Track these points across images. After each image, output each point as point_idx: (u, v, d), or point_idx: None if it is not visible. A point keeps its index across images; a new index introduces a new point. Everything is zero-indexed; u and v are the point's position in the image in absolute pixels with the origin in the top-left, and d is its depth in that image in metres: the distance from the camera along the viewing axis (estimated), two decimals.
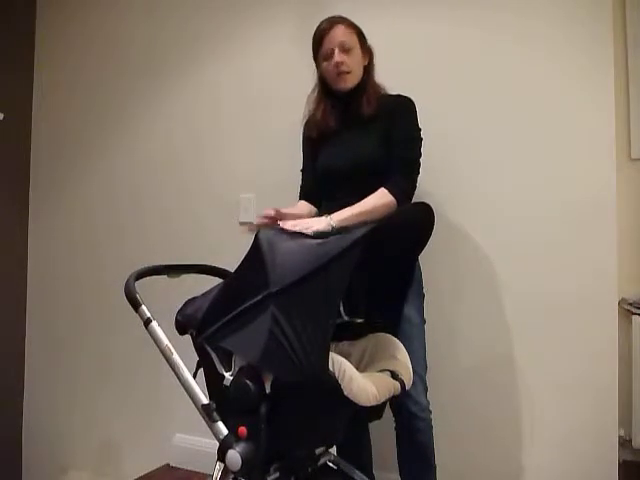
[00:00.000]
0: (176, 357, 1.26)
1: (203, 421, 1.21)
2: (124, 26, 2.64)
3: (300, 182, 1.84)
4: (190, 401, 1.23)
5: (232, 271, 1.30)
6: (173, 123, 2.49)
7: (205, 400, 1.21)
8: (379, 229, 1.15)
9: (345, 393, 1.13)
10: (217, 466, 1.21)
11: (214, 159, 2.37)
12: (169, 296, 1.51)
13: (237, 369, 1.20)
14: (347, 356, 1.36)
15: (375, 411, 1.32)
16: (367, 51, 1.70)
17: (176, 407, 2.18)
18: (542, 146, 1.82)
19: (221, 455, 1.15)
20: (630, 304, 1.95)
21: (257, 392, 1.13)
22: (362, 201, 1.52)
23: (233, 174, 2.32)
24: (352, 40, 1.65)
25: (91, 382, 2.62)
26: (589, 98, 1.77)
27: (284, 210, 1.55)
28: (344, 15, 1.70)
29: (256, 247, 1.21)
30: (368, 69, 1.70)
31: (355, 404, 1.15)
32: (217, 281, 1.45)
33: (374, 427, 1.71)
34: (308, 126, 1.77)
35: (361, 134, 1.65)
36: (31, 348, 2.83)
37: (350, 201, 1.52)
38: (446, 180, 1.90)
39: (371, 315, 1.44)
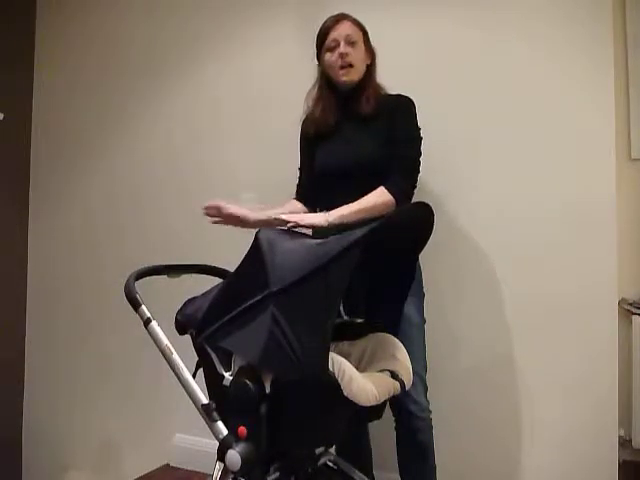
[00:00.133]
0: (176, 357, 1.26)
1: (203, 421, 1.21)
2: (124, 26, 2.64)
3: (297, 179, 1.84)
4: (190, 401, 1.23)
5: (232, 271, 1.30)
6: (173, 123, 2.49)
7: (205, 400, 1.21)
8: (379, 229, 1.15)
9: (345, 393, 1.13)
10: (217, 466, 1.21)
11: (214, 159, 2.37)
12: (169, 296, 1.51)
13: (237, 369, 1.20)
14: (347, 356, 1.36)
15: (375, 411, 1.32)
16: (370, 51, 1.70)
17: (176, 407, 2.18)
18: (542, 146, 1.82)
19: (221, 455, 1.15)
20: (630, 304, 1.95)
21: (257, 392, 1.13)
22: (361, 199, 1.51)
23: (233, 174, 2.32)
24: (357, 35, 1.65)
25: (91, 382, 2.62)
26: (589, 98, 1.77)
27: (271, 212, 1.59)
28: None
29: (256, 247, 1.21)
30: (370, 69, 1.69)
31: (355, 404, 1.15)
32: (217, 281, 1.45)
33: (374, 427, 1.71)
34: (306, 123, 1.76)
35: (361, 133, 1.65)
36: (31, 348, 2.83)
37: (349, 200, 1.51)
38: (446, 180, 1.90)
39: (371, 315, 1.45)
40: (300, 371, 1.07)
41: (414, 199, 1.60)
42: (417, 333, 1.59)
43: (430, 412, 1.57)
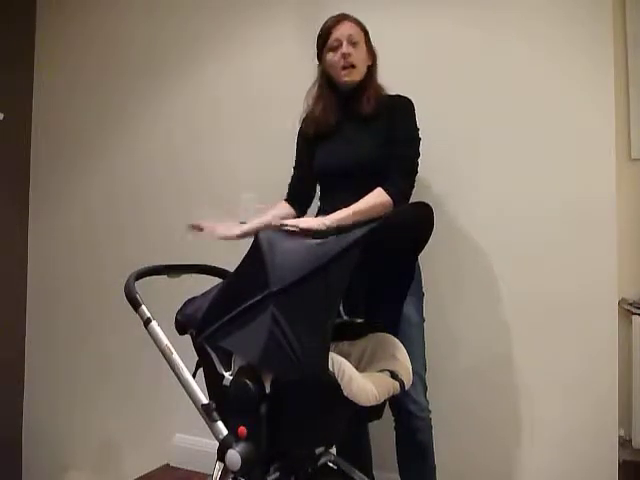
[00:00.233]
0: (176, 357, 1.26)
1: (203, 421, 1.21)
2: (124, 26, 2.64)
3: (290, 179, 1.84)
4: (190, 401, 1.23)
5: (232, 271, 1.30)
6: (173, 123, 2.48)
7: (205, 400, 1.21)
8: (379, 229, 1.15)
9: (345, 393, 1.13)
10: (217, 466, 1.21)
11: (214, 159, 2.37)
12: (169, 296, 1.51)
13: (237, 369, 1.20)
14: (347, 356, 1.36)
15: (375, 411, 1.32)
16: (372, 52, 1.70)
17: (176, 407, 2.18)
18: (542, 146, 1.82)
19: (221, 455, 1.15)
20: (630, 304, 1.95)
21: (257, 392, 1.13)
22: (359, 201, 1.51)
23: (233, 174, 2.32)
24: (359, 35, 1.65)
25: (91, 382, 2.62)
26: (589, 98, 1.77)
27: (255, 222, 1.64)
28: None
29: (256, 247, 1.21)
30: (371, 70, 1.69)
31: (355, 404, 1.15)
32: (217, 281, 1.45)
33: (374, 427, 1.71)
34: (306, 122, 1.76)
35: (361, 133, 1.65)
36: (31, 348, 2.83)
37: (348, 199, 1.52)
38: (446, 180, 1.90)
39: (371, 315, 1.45)
40: (300, 371, 1.07)
41: (412, 199, 1.60)
42: (416, 333, 1.59)
43: (430, 412, 1.57)
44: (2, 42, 2.73)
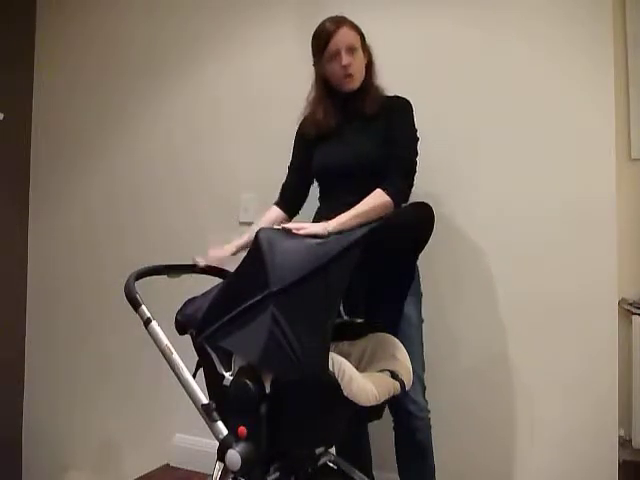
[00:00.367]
0: (176, 357, 1.26)
1: (203, 421, 1.21)
2: (124, 26, 2.64)
3: (284, 179, 1.83)
4: (190, 401, 1.23)
5: (232, 271, 1.30)
6: (173, 123, 2.49)
7: (205, 400, 1.21)
8: (379, 229, 1.15)
9: (345, 393, 1.13)
10: (217, 466, 1.21)
11: (214, 159, 2.37)
12: (169, 296, 1.51)
13: (237, 369, 1.20)
14: (347, 356, 1.36)
15: (375, 411, 1.32)
16: (366, 50, 1.69)
17: (176, 407, 2.18)
18: (542, 146, 1.82)
19: (221, 455, 1.15)
20: (630, 304, 1.95)
21: (257, 392, 1.13)
22: (359, 203, 1.51)
23: (233, 174, 2.32)
24: (356, 40, 1.64)
25: (91, 382, 2.62)
26: (589, 98, 1.77)
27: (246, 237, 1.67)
28: (344, 15, 1.69)
29: (256, 247, 1.21)
30: (369, 69, 1.69)
31: (355, 404, 1.15)
32: (217, 281, 1.45)
33: (374, 427, 1.71)
34: (306, 124, 1.75)
35: (361, 133, 1.65)
36: (31, 348, 2.83)
37: (348, 199, 1.52)
38: (446, 180, 1.90)
39: (371, 315, 1.45)
40: (300, 371, 1.08)
41: (412, 199, 1.60)
42: (415, 333, 1.59)
43: (429, 412, 1.57)
44: (2, 42, 2.73)
